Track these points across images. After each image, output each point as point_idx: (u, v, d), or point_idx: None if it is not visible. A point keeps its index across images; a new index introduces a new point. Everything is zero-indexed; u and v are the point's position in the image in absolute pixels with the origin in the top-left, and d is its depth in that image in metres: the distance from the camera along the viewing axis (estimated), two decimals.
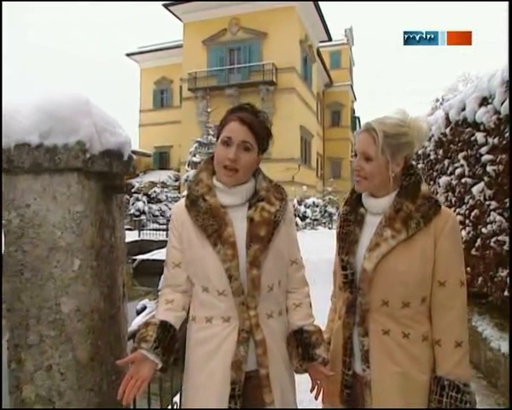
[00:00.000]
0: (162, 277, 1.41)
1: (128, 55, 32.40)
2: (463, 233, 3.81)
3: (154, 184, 24.17)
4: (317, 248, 9.10)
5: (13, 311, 1.31)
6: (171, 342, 1.27)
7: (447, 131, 4.28)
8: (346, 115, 38.53)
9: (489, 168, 3.26)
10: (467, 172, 3.81)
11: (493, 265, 3.27)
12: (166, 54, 30.59)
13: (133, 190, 21.74)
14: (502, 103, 2.98)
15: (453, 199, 4.18)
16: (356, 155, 1.37)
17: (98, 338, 1.36)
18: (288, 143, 21.97)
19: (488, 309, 3.72)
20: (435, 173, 4.84)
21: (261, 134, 1.33)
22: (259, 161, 1.39)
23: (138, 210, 21.29)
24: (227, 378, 1.24)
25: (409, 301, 1.28)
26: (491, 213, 3.27)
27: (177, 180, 25.71)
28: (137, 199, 21.78)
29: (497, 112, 3.11)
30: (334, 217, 21.94)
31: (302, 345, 1.34)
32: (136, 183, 22.86)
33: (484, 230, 3.39)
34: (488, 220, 3.33)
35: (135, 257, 12.41)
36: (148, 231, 17.13)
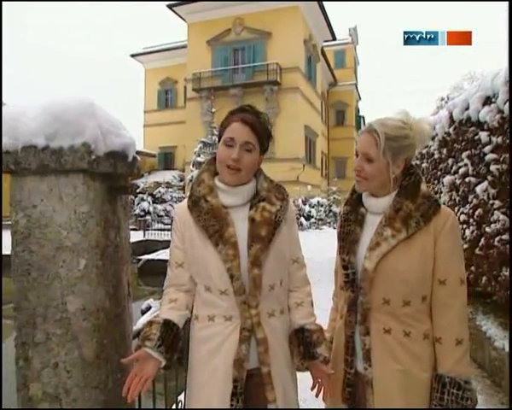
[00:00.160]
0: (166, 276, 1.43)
1: (133, 55, 32.47)
2: (467, 232, 3.80)
3: (158, 184, 24.18)
4: (321, 247, 9.06)
5: (20, 310, 1.33)
6: (174, 341, 1.28)
7: (451, 130, 4.27)
8: (350, 115, 38.34)
9: (492, 167, 3.25)
10: (470, 172, 3.79)
11: (497, 264, 3.25)
12: (171, 54, 30.60)
13: (138, 191, 21.82)
14: (505, 103, 2.97)
15: (457, 198, 4.16)
16: (357, 156, 1.39)
17: (104, 337, 1.38)
18: (292, 143, 21.97)
19: (492, 308, 3.71)
20: (439, 172, 4.84)
21: (263, 135, 1.35)
22: (261, 162, 1.40)
23: (143, 210, 21.32)
24: (229, 376, 1.25)
25: (409, 300, 1.29)
26: (495, 212, 3.26)
27: (181, 180, 25.74)
28: (142, 199, 21.81)
29: (500, 111, 3.10)
30: None
31: (303, 344, 1.35)
32: (141, 183, 22.90)
33: (488, 229, 3.37)
34: (492, 219, 3.32)
35: (140, 257, 12.41)
36: (153, 231, 17.11)
